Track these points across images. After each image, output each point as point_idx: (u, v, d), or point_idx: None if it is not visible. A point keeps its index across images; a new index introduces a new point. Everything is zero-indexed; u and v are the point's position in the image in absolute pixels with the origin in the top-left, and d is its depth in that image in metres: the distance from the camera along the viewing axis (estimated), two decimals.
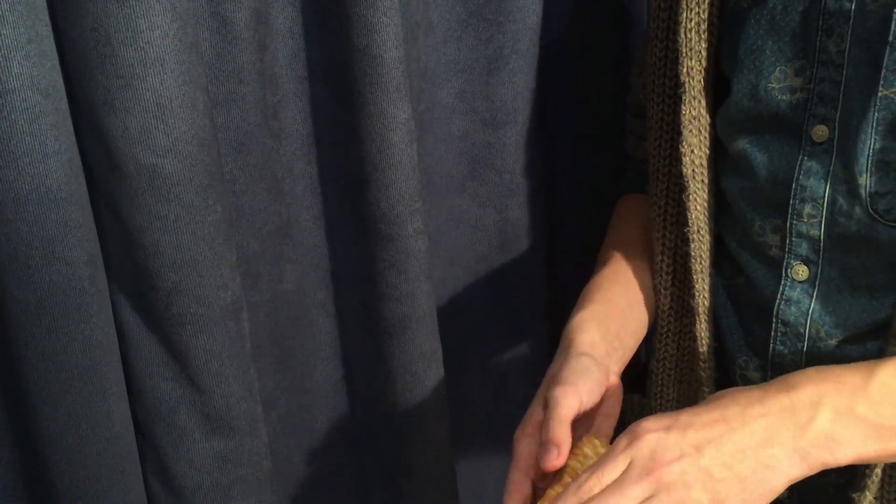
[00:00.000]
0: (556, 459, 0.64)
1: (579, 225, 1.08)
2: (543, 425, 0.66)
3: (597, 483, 0.60)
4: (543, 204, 1.03)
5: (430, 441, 0.97)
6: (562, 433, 0.65)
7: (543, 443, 0.65)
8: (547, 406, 0.67)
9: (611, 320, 0.78)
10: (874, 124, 0.68)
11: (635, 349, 0.82)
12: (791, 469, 0.60)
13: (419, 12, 0.88)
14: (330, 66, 0.83)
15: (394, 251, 0.87)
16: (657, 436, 0.60)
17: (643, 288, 0.85)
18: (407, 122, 0.83)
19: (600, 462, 0.61)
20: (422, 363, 0.93)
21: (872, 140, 0.68)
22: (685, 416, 0.61)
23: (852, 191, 0.70)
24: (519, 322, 1.07)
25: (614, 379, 0.74)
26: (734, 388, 0.64)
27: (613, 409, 0.73)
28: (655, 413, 0.89)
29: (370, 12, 0.77)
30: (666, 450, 0.59)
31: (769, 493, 0.60)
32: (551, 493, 0.65)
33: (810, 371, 0.63)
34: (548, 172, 1.02)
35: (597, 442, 0.68)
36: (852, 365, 0.64)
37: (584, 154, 1.05)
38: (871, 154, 0.68)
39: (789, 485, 0.60)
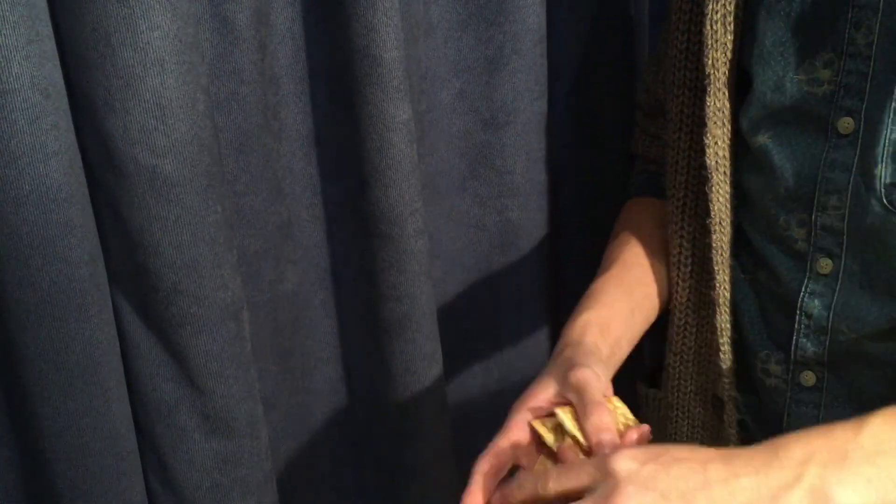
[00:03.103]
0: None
1: (580, 225, 1.08)
2: (585, 409, 0.64)
3: (553, 483, 0.59)
4: (544, 204, 1.03)
5: (430, 441, 0.97)
6: (604, 419, 0.63)
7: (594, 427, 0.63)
8: (577, 388, 0.65)
9: (613, 326, 0.77)
10: (891, 114, 0.68)
11: (626, 356, 0.80)
12: None
13: (419, 13, 0.88)
14: (330, 66, 0.83)
15: (394, 251, 0.87)
16: (630, 467, 0.56)
17: (646, 294, 0.85)
18: (407, 123, 0.83)
19: (569, 467, 0.59)
20: (422, 363, 0.93)
21: (889, 130, 0.68)
22: (670, 454, 0.57)
23: (868, 182, 0.70)
24: (519, 322, 1.07)
25: (610, 389, 0.73)
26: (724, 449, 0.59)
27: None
28: (673, 407, 0.90)
29: (370, 13, 0.77)
30: (628, 496, 0.55)
31: None
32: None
33: (800, 432, 0.59)
34: (548, 173, 1.02)
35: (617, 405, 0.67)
36: (842, 422, 0.59)
37: (585, 154, 1.05)
38: (886, 144, 0.68)
39: None
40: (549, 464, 0.66)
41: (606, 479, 0.56)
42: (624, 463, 0.56)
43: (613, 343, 0.77)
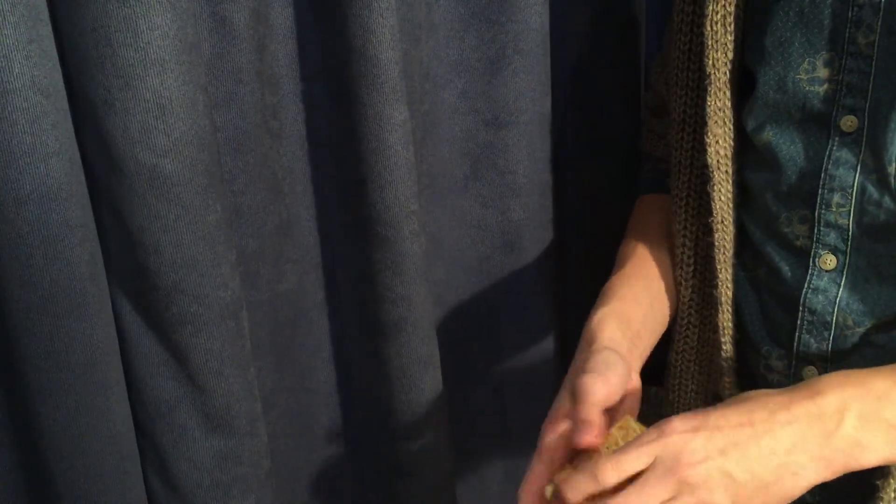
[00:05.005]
0: (591, 437, 0.64)
1: (583, 225, 1.08)
2: (574, 412, 0.66)
3: (613, 471, 0.61)
4: (547, 204, 1.03)
5: (427, 443, 0.97)
6: (595, 414, 0.65)
7: (578, 423, 0.65)
8: (576, 395, 0.67)
9: (631, 317, 0.78)
10: None
11: (652, 347, 0.82)
12: (815, 475, 0.61)
13: (421, 13, 0.88)
14: (328, 66, 0.83)
15: (390, 253, 0.87)
16: (684, 437, 0.61)
17: (664, 286, 0.86)
18: (403, 124, 0.83)
19: (623, 450, 0.61)
20: (418, 366, 0.92)
21: None
22: (713, 417, 0.62)
23: (882, 180, 0.71)
24: (522, 323, 1.07)
25: (635, 376, 0.74)
26: (761, 391, 0.65)
27: (634, 406, 0.73)
28: (673, 405, 0.90)
29: (366, 13, 0.77)
30: (692, 452, 0.60)
31: (790, 497, 0.61)
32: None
33: (836, 376, 0.64)
34: (551, 173, 1.02)
35: (633, 425, 0.67)
36: (876, 370, 0.65)
37: (587, 154, 1.05)
38: None
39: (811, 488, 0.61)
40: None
41: (665, 452, 0.60)
42: (678, 437, 0.61)
43: (633, 335, 0.77)
